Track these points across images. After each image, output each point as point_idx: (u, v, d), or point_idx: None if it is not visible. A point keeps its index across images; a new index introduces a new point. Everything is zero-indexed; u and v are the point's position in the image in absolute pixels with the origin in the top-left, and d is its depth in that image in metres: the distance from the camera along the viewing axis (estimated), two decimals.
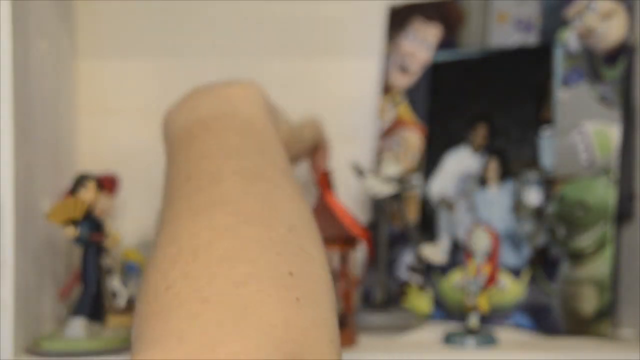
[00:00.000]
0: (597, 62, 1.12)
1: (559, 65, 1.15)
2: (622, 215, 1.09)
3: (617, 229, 1.09)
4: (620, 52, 1.11)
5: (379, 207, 1.16)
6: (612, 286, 1.07)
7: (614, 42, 1.11)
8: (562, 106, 1.14)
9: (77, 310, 1.00)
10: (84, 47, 1.31)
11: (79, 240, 1.01)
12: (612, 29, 1.12)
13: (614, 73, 1.11)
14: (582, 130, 1.11)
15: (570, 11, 1.15)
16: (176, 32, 1.33)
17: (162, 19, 1.33)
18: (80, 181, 1.03)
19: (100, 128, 1.31)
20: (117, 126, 1.32)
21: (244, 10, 1.33)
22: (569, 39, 1.15)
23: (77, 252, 1.09)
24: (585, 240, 1.08)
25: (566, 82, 1.14)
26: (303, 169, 1.23)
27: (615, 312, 1.08)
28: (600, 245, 1.07)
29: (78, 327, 0.99)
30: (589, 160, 1.10)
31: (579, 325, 1.07)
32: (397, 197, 1.16)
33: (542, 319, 1.10)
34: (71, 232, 1.00)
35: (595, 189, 1.09)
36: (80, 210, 1.00)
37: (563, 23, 1.16)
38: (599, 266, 1.07)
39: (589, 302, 1.07)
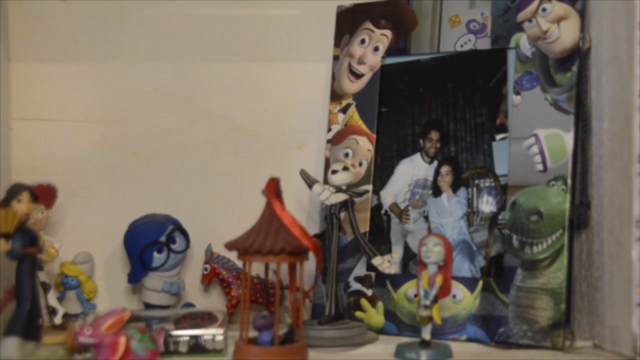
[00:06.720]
0: (550, 67, 1.10)
1: (512, 69, 1.13)
2: (577, 224, 1.07)
3: (572, 238, 1.07)
4: (573, 57, 1.09)
5: (329, 216, 1.12)
6: (567, 296, 1.05)
7: (567, 46, 1.09)
8: (516, 112, 1.12)
9: (11, 329, 0.96)
10: (16, 51, 1.25)
11: (11, 254, 0.96)
12: (564, 33, 1.10)
13: (567, 78, 1.09)
14: (536, 136, 1.09)
15: (522, 14, 1.13)
16: (117, 36, 1.28)
17: (102, 22, 1.28)
18: (13, 191, 0.99)
19: (35, 135, 1.25)
20: (54, 134, 1.26)
21: (188, 13, 1.29)
22: (522, 42, 1.13)
23: (10, 267, 1.04)
24: (539, 249, 1.06)
25: (519, 86, 1.12)
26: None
27: (569, 322, 1.06)
28: (555, 254, 1.05)
29: (11, 347, 0.94)
30: (543, 167, 1.08)
31: (534, 337, 1.05)
32: (347, 206, 1.12)
33: (496, 330, 1.07)
34: (3, 245, 0.95)
35: (550, 197, 1.07)
36: (12, 222, 0.95)
37: (515, 26, 1.14)
38: (554, 276, 1.05)
39: (544, 312, 1.05)
